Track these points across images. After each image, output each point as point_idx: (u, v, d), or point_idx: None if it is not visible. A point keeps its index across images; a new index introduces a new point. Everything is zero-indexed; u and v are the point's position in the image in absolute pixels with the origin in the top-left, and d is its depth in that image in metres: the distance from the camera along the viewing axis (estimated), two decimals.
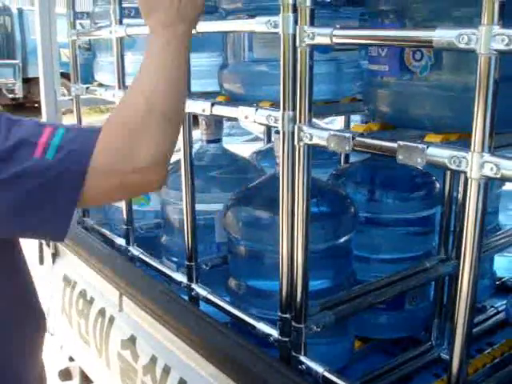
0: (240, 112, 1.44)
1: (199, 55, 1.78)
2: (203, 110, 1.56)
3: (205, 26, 1.52)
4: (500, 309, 1.98)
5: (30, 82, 13.03)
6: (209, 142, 1.92)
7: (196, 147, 1.93)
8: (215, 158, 1.93)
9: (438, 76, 1.12)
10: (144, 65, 1.14)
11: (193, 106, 1.60)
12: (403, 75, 1.16)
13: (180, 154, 1.71)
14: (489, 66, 0.95)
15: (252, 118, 1.40)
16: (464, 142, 1.05)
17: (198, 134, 1.91)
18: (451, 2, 1.09)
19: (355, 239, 1.65)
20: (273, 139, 1.70)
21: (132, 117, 1.07)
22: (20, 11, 13.41)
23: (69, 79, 2.32)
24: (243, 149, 2.30)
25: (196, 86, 1.67)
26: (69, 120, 2.43)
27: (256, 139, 4.94)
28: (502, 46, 0.92)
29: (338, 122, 3.10)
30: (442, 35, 0.98)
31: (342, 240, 1.58)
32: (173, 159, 1.94)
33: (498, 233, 1.97)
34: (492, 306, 2.00)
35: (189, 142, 1.69)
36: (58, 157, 0.99)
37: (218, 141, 1.93)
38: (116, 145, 1.04)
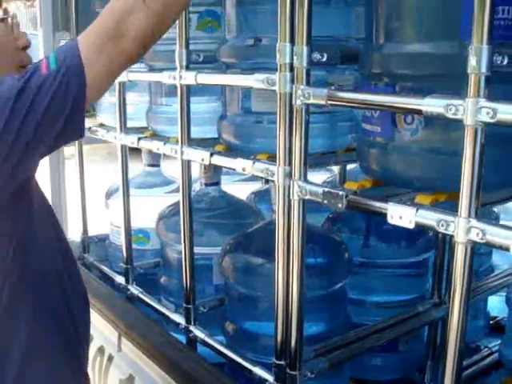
0: (238, 164, 1.48)
1: (199, 99, 1.83)
2: (202, 160, 1.61)
3: (205, 79, 1.57)
4: (494, 349, 1.99)
5: None
6: (207, 185, 1.96)
7: (195, 189, 1.98)
8: (213, 201, 1.97)
9: (428, 139, 1.16)
10: None
11: (192, 155, 1.65)
12: (394, 137, 1.20)
13: (179, 196, 1.76)
14: (475, 136, 0.99)
15: (249, 171, 1.45)
16: (452, 203, 1.09)
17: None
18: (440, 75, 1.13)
19: (350, 282, 1.68)
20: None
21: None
22: None
23: None
24: (240, 189, 2.34)
25: (195, 133, 1.72)
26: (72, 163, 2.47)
27: (253, 178, 4.96)
28: (487, 119, 0.96)
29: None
30: (431, 104, 1.03)
31: (336, 286, 1.61)
32: (172, 200, 2.00)
33: (491, 275, 2.00)
34: (486, 347, 2.02)
35: (188, 187, 1.73)
36: (59, 63, 1.16)
37: (217, 184, 1.97)
38: (107, 27, 1.20)
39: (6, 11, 1.36)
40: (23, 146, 1.16)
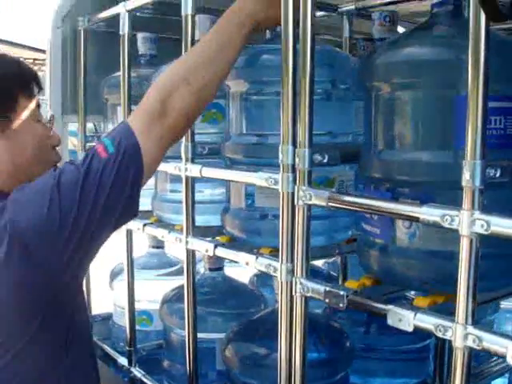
0: (241, 258, 1.52)
1: (205, 184, 1.87)
2: (206, 251, 1.65)
3: (210, 173, 1.62)
4: None
5: None
6: (211, 269, 1.99)
7: (199, 270, 2.01)
8: (217, 286, 2.00)
9: (426, 243, 1.20)
10: (208, 36, 1.42)
11: (197, 245, 1.69)
12: (393, 239, 1.24)
13: (183, 280, 1.79)
14: (470, 246, 1.03)
15: (252, 265, 1.48)
16: (450, 305, 1.12)
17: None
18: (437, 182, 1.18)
19: (352, 366, 1.70)
20: None
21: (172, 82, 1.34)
22: None
23: None
24: (242, 271, 2.37)
25: (200, 220, 1.77)
26: None
27: None
28: (481, 231, 1.01)
29: None
30: (427, 213, 1.07)
31: (338, 376, 1.63)
32: (176, 284, 2.03)
33: (493, 358, 2.01)
34: None
35: (192, 275, 1.76)
36: (116, 146, 1.24)
37: (220, 269, 2.01)
38: (153, 107, 1.30)
39: (38, 105, 1.42)
40: (92, 230, 1.23)
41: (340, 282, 1.95)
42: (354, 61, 1.70)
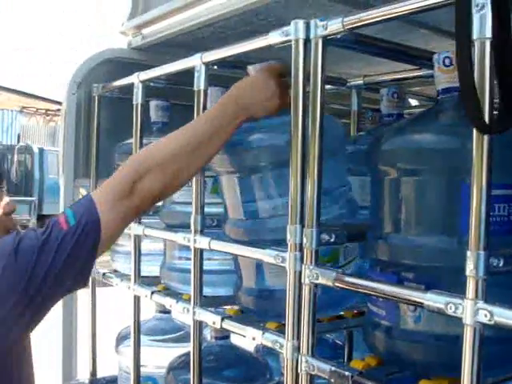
0: (248, 332, 1.54)
1: (212, 254, 1.89)
2: (213, 323, 1.67)
3: (219, 246, 1.65)
4: None
5: (43, 219, 13.35)
6: (217, 338, 2.00)
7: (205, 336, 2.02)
8: (223, 355, 2.00)
9: (431, 327, 1.22)
10: (198, 122, 1.47)
11: (204, 316, 1.70)
12: (399, 322, 1.26)
13: (189, 347, 1.80)
14: (474, 335, 1.05)
15: (259, 340, 1.50)
16: None
17: None
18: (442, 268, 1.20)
19: None
20: None
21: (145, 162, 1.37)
22: (41, 151, 13.96)
23: None
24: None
25: (208, 292, 1.79)
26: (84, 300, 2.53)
27: None
28: (485, 320, 1.02)
29: None
30: (432, 300, 1.09)
31: None
32: (182, 350, 2.03)
33: None
34: None
35: (198, 346, 1.77)
36: (77, 219, 1.27)
37: (227, 337, 2.01)
38: (122, 186, 1.33)
39: None
40: (40, 299, 1.24)
41: (346, 353, 1.95)
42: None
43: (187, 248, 1.78)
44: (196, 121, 1.47)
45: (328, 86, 2.12)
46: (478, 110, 1.01)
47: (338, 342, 2.30)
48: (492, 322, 1.02)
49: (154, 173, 1.34)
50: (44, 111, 19.97)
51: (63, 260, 1.24)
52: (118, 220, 1.33)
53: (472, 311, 1.04)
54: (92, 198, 1.32)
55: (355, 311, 1.71)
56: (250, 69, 1.56)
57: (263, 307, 1.62)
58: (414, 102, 3.02)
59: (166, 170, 1.35)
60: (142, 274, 2.13)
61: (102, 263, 2.49)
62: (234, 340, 2.08)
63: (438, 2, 1.15)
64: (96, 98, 2.45)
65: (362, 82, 2.09)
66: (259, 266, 1.59)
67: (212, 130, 1.41)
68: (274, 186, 1.56)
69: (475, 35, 1.04)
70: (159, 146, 1.43)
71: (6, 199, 1.50)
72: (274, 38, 1.46)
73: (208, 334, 2.07)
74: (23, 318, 1.25)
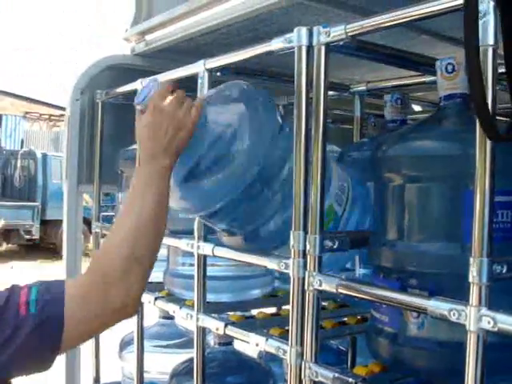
0: (251, 338, 1.54)
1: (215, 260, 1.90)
2: (217, 329, 1.67)
3: (222, 253, 1.65)
4: None
5: (47, 224, 13.38)
6: (220, 344, 2.00)
7: (209, 342, 2.02)
8: (226, 361, 2.00)
9: (434, 333, 1.22)
10: (128, 203, 1.30)
11: (207, 323, 1.71)
12: (402, 328, 1.26)
13: (193, 353, 1.80)
14: (477, 341, 1.05)
15: (262, 347, 1.50)
16: None
17: None
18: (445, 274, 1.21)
19: None
20: None
21: (111, 266, 1.21)
22: (44, 156, 13.97)
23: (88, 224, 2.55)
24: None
25: (211, 298, 1.79)
26: None
27: None
28: (488, 327, 1.03)
29: None
30: (435, 306, 1.09)
31: None
32: (185, 356, 2.03)
33: None
34: None
35: (202, 352, 1.77)
36: (38, 309, 1.13)
37: (230, 343, 2.01)
38: (94, 293, 1.19)
39: None
40: None
41: (349, 359, 1.95)
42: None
43: (190, 254, 1.78)
44: (129, 201, 1.31)
45: (330, 92, 2.11)
46: (491, 119, 1.01)
47: (342, 348, 2.30)
48: (495, 329, 1.02)
49: (135, 269, 1.22)
50: (47, 116, 20.03)
51: (18, 347, 1.11)
52: (88, 319, 1.20)
53: (475, 318, 1.04)
54: (63, 290, 1.18)
55: (358, 317, 1.72)
56: (139, 107, 1.40)
57: None
58: (416, 107, 3.02)
59: (142, 258, 1.24)
60: None
61: None
62: (238, 346, 2.08)
63: (441, 9, 1.15)
64: (99, 104, 2.46)
65: (365, 88, 2.10)
66: None
67: (152, 199, 1.28)
68: None
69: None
70: (117, 240, 1.27)
71: None
72: (276, 44, 1.46)
73: (211, 340, 2.08)
74: None
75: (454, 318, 1.07)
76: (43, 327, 1.13)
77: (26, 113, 19.21)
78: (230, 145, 1.42)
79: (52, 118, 19.97)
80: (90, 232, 2.51)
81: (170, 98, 1.35)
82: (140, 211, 1.26)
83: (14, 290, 1.17)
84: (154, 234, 1.28)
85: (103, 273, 1.21)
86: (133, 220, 1.25)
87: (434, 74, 1.39)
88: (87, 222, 2.79)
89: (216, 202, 1.44)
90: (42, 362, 1.18)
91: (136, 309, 1.26)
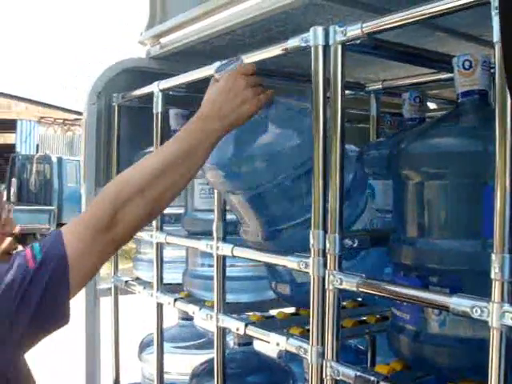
0: (272, 338, 1.54)
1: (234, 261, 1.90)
2: (237, 329, 1.67)
3: (241, 253, 1.66)
4: None
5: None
6: (240, 344, 2.01)
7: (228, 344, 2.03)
8: (246, 362, 2.01)
9: (456, 330, 1.22)
10: (167, 146, 1.35)
11: (227, 323, 1.71)
12: (423, 326, 1.26)
13: (213, 354, 1.81)
14: (500, 338, 1.04)
15: (283, 346, 1.50)
16: None
17: None
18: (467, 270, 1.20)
19: None
20: None
21: (118, 191, 1.25)
22: (59, 160, 14.04)
23: None
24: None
25: (230, 296, 1.80)
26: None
27: None
28: (511, 323, 1.02)
29: None
30: (457, 303, 1.09)
31: None
32: (205, 357, 2.03)
33: None
34: None
35: (222, 353, 1.78)
36: (43, 253, 1.17)
37: (250, 344, 2.02)
38: (100, 217, 1.22)
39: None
40: (16, 339, 1.16)
41: (369, 358, 1.95)
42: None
43: (209, 255, 1.79)
44: (169, 142, 1.36)
45: (346, 92, 2.12)
46: None
47: (361, 348, 2.30)
48: None
49: (136, 200, 1.24)
50: (62, 121, 20.11)
51: (34, 305, 1.15)
52: (92, 255, 1.22)
53: (498, 314, 1.04)
54: (61, 232, 1.20)
55: (378, 316, 1.72)
56: (216, 76, 1.47)
57: None
58: (431, 105, 3.01)
59: (148, 194, 1.25)
60: (165, 281, 2.14)
61: (125, 271, 2.51)
62: (257, 346, 2.08)
63: (457, 6, 1.15)
64: (116, 107, 2.48)
65: (380, 86, 2.10)
66: None
67: (187, 148, 1.31)
68: None
69: (494, 38, 1.05)
70: (134, 173, 1.30)
71: (9, 219, 1.44)
72: (293, 44, 1.47)
73: (231, 341, 2.08)
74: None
75: (476, 315, 1.07)
76: (51, 268, 1.16)
77: (41, 118, 19.30)
78: (284, 139, 1.48)
79: (66, 122, 20.04)
80: None
81: (246, 77, 1.41)
82: (168, 155, 1.31)
83: (17, 253, 1.21)
84: (171, 182, 1.29)
85: (102, 197, 1.27)
86: (159, 159, 1.31)
87: (449, 71, 1.39)
88: None
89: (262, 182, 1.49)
90: (58, 308, 1.20)
91: (128, 234, 1.27)
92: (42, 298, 1.15)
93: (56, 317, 1.21)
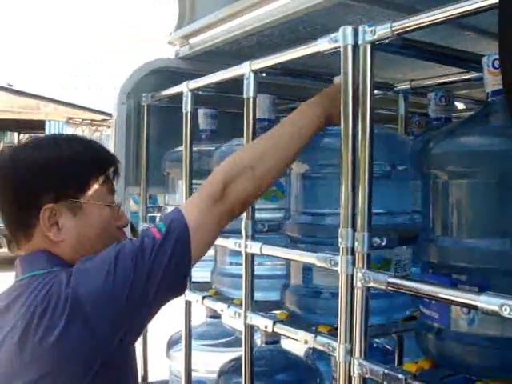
0: (300, 336, 1.55)
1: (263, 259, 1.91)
2: (265, 327, 1.68)
3: (270, 251, 1.67)
4: None
5: None
6: (268, 342, 2.02)
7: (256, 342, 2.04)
8: (273, 359, 2.02)
9: (485, 329, 1.22)
10: (279, 128, 1.49)
11: (256, 321, 1.72)
12: (452, 324, 1.26)
13: (240, 352, 1.82)
14: None
15: (311, 344, 1.51)
16: None
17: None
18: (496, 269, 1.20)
19: None
20: None
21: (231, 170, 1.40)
22: None
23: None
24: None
25: (258, 296, 1.81)
26: None
27: None
28: None
29: None
30: (486, 302, 1.09)
31: None
32: (232, 354, 2.05)
33: None
34: None
35: (250, 350, 1.79)
36: (167, 226, 1.29)
37: (277, 342, 2.03)
38: (213, 190, 1.36)
39: (112, 191, 1.47)
40: (141, 307, 1.28)
41: (396, 358, 1.95)
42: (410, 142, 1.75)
43: (238, 253, 1.80)
44: (279, 125, 1.50)
45: (375, 92, 2.12)
46: None
47: (388, 347, 2.30)
48: None
49: (245, 175, 1.37)
50: (89, 121, 20.25)
51: (162, 270, 1.26)
52: (209, 225, 1.35)
53: None
54: (179, 208, 1.35)
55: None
56: (336, 79, 1.60)
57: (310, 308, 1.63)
58: (460, 105, 3.00)
59: (258, 170, 1.39)
60: (193, 279, 2.15)
61: None
62: (284, 345, 2.10)
63: (486, 6, 1.15)
64: (145, 107, 2.50)
65: (409, 86, 2.09)
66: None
67: (295, 131, 1.46)
68: None
69: None
70: (247, 150, 1.53)
71: (122, 212, 1.50)
72: (322, 44, 1.48)
73: (258, 339, 2.09)
74: (126, 325, 1.28)
75: (505, 314, 1.06)
76: (176, 239, 1.28)
77: (69, 118, 19.46)
78: None
79: (94, 122, 20.19)
80: (134, 235, 2.53)
81: None
82: (278, 139, 1.46)
83: (144, 230, 1.44)
84: (279, 161, 1.44)
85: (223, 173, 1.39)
86: (271, 139, 1.46)
87: (478, 70, 1.39)
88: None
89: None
90: (180, 276, 1.32)
91: (238, 206, 1.40)
92: (169, 263, 1.26)
93: (177, 285, 1.33)
